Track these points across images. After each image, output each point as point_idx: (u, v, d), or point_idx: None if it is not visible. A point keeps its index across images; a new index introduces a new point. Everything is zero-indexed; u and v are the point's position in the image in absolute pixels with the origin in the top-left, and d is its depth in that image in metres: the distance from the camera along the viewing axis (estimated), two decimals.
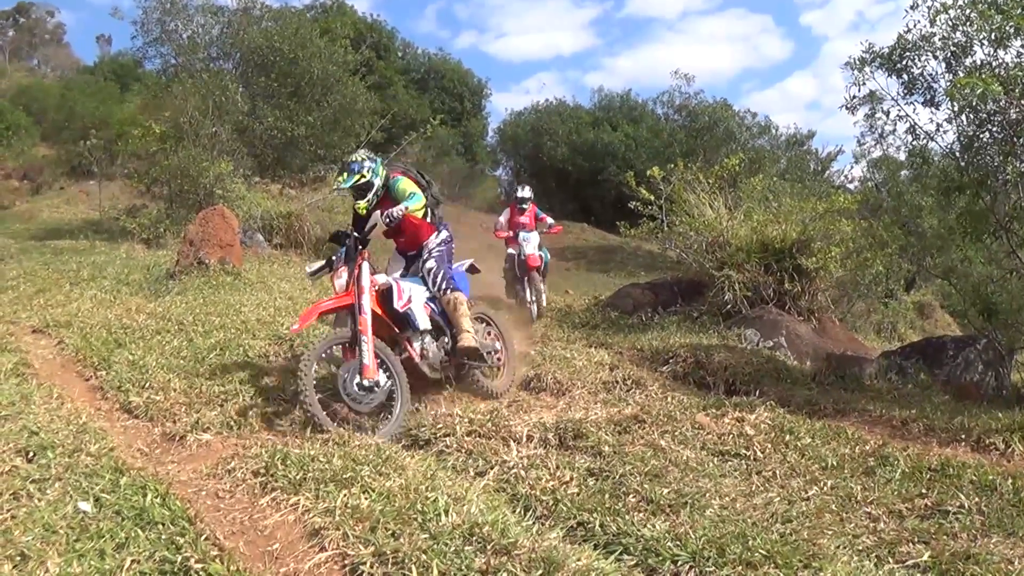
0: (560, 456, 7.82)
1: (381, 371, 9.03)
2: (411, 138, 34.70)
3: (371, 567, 5.15)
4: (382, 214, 9.88)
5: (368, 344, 8.98)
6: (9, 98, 55.38)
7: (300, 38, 32.18)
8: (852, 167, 58.91)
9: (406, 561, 5.13)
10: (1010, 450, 8.70)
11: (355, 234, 9.94)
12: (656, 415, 9.16)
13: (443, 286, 10.26)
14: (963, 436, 9.27)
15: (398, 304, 9.76)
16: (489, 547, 5.33)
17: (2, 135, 45.42)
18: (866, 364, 13.27)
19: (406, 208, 9.90)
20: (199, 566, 5.14)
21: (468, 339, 10.08)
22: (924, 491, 7.24)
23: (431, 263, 10.44)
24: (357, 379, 8.83)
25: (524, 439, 8.28)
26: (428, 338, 10.13)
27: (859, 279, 21.70)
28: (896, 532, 6.33)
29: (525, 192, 20.17)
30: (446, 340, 10.33)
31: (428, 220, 10.67)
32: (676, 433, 8.71)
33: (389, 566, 5.14)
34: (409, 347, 9.89)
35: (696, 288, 18.30)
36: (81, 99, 48.84)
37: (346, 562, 5.28)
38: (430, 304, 10.33)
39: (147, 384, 9.89)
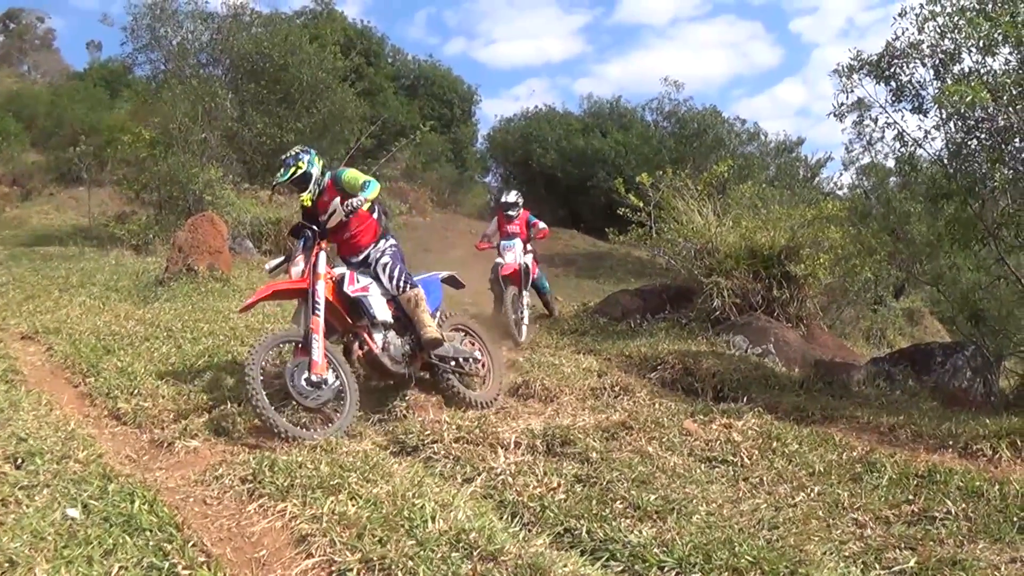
0: (548, 462, 7.82)
1: (330, 370, 9.06)
2: (401, 144, 34.75)
3: (358, 573, 5.16)
4: (343, 203, 9.86)
5: (319, 342, 9.02)
6: None
7: (289, 44, 32.25)
8: (841, 174, 58.85)
9: (393, 567, 5.14)
10: (997, 456, 8.70)
11: (312, 227, 10.02)
12: (644, 421, 9.16)
13: (401, 282, 10.24)
14: (951, 442, 9.27)
15: (349, 288, 9.78)
16: (476, 553, 5.34)
17: None
18: (854, 371, 13.28)
19: (366, 198, 9.96)
20: (186, 572, 5.15)
21: (430, 331, 10.08)
22: (911, 497, 7.27)
23: (386, 259, 10.43)
24: (305, 374, 8.87)
25: (512, 446, 8.27)
26: (392, 332, 10.17)
27: (848, 286, 21.80)
28: (883, 538, 6.35)
29: (511, 197, 18.52)
30: (411, 338, 10.31)
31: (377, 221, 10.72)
32: (664, 439, 8.71)
33: (376, 572, 5.15)
34: (369, 339, 9.90)
35: (685, 295, 18.26)
36: (71, 105, 48.80)
37: (333, 568, 5.28)
38: (392, 302, 10.31)
39: (135, 391, 9.89)
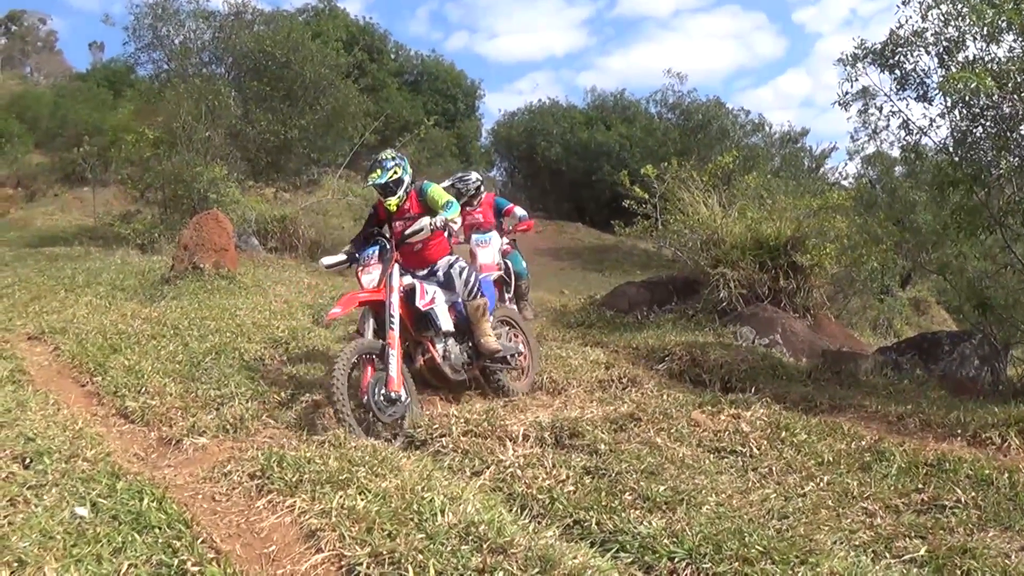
0: (556, 455, 7.83)
1: (403, 387, 9.06)
2: (405, 140, 34.75)
3: (367, 568, 5.15)
4: (431, 222, 9.90)
5: (395, 358, 9.03)
6: (2, 106, 55.41)
7: (292, 42, 32.13)
8: (846, 164, 58.86)
9: (402, 561, 5.13)
10: (1006, 444, 8.69)
11: (387, 237, 10.18)
12: (652, 413, 9.16)
13: (473, 289, 10.38)
14: (959, 431, 9.27)
15: (420, 303, 9.80)
16: (485, 546, 5.32)
17: None
18: (862, 360, 13.28)
19: (452, 218, 10.08)
20: (196, 569, 5.14)
21: (490, 341, 10.23)
22: (920, 486, 7.25)
23: (461, 265, 10.57)
24: (383, 390, 8.88)
25: (520, 438, 8.28)
26: (451, 341, 10.22)
27: (854, 275, 21.69)
28: (893, 527, 6.33)
29: (469, 177, 15.18)
30: (469, 344, 10.43)
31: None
32: (672, 431, 8.70)
33: (386, 566, 5.13)
34: (432, 348, 9.97)
35: (691, 286, 18.26)
36: (74, 106, 48.86)
37: (343, 563, 5.27)
38: (453, 308, 10.35)
39: (143, 389, 9.92)
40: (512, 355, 10.83)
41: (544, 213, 51.41)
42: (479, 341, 10.24)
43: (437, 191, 10.44)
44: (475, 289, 10.36)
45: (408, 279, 10.00)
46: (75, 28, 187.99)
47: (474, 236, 14.19)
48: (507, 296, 14.59)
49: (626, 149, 51.09)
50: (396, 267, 9.76)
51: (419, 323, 9.98)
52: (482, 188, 15.17)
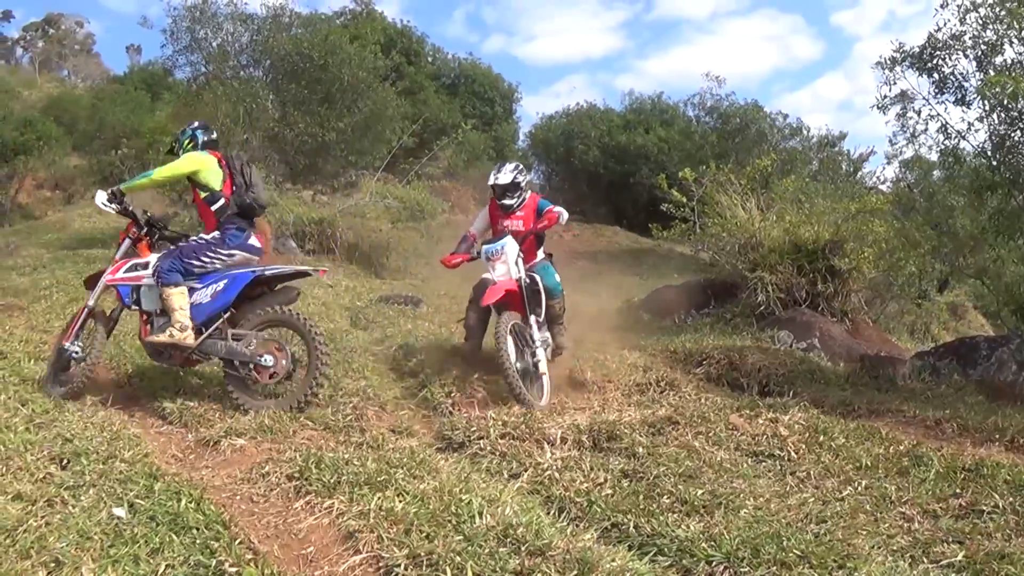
0: (594, 458, 7.85)
1: None
2: (442, 143, 34.77)
3: (405, 569, 5.17)
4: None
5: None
6: (40, 109, 55.61)
7: (330, 44, 32.13)
8: (884, 168, 58.80)
9: (440, 563, 5.15)
10: None
11: None
12: (690, 416, 9.19)
13: (159, 275, 9.85)
14: (997, 436, 9.29)
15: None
16: (523, 549, 5.35)
17: (33, 145, 45.51)
18: (900, 365, 13.25)
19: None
20: (233, 570, 5.17)
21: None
22: (958, 491, 7.23)
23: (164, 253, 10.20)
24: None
25: (558, 441, 8.34)
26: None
27: (892, 280, 21.62)
28: (930, 532, 6.32)
29: (505, 174, 12.05)
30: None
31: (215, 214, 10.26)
32: (710, 434, 8.73)
33: (424, 568, 5.16)
34: None
35: (729, 290, 18.25)
36: (112, 109, 48.93)
37: (380, 565, 5.30)
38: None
39: (180, 390, 10.05)
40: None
41: (581, 216, 51.35)
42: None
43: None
44: (159, 275, 9.89)
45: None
46: (112, 31, 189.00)
47: (485, 247, 11.59)
48: (536, 320, 11.32)
49: (664, 152, 51.06)
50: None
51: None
52: (522, 184, 12.13)
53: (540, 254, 12.20)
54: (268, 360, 9.66)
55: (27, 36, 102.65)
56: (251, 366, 9.68)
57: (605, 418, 9.15)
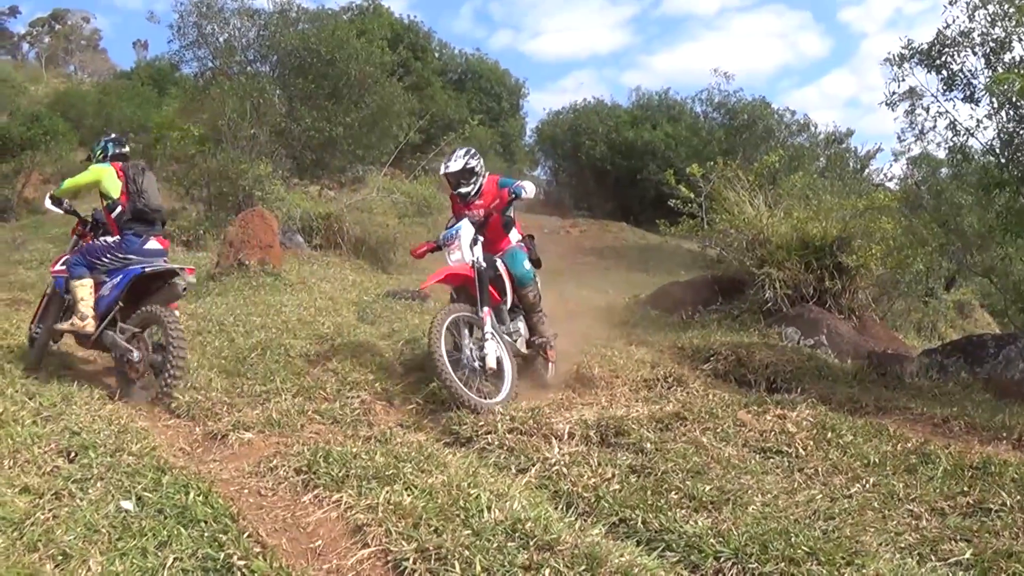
0: (602, 453, 7.85)
1: None
2: (449, 138, 34.80)
3: (414, 563, 5.18)
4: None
5: None
6: (46, 104, 55.70)
7: (337, 39, 32.19)
8: (891, 165, 58.81)
9: (449, 557, 5.17)
10: None
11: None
12: (698, 412, 9.17)
13: (68, 268, 10.94)
14: (1004, 434, 9.26)
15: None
16: (532, 543, 5.37)
17: (40, 140, 45.56)
18: (907, 362, 13.24)
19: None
20: (242, 563, 5.17)
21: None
22: (966, 489, 7.20)
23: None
24: None
25: (566, 436, 8.29)
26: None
27: (899, 277, 21.62)
28: (938, 530, 6.31)
29: (453, 163, 11.23)
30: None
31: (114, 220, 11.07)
32: (718, 430, 8.71)
33: (432, 562, 5.17)
34: None
35: (736, 286, 18.23)
36: (118, 104, 49.07)
37: (389, 559, 5.32)
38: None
39: (189, 384, 10.00)
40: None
41: (588, 212, 51.47)
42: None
43: None
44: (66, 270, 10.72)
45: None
46: (118, 27, 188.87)
47: (441, 235, 10.90)
48: (492, 309, 10.34)
49: (671, 148, 51.27)
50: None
51: None
52: (476, 170, 11.29)
53: (513, 237, 11.55)
54: (136, 355, 10.19)
55: (33, 31, 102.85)
56: (125, 359, 10.28)
57: (613, 413, 9.12)
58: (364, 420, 8.85)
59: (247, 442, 8.22)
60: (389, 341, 13.07)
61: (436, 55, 61.63)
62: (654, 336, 15.32)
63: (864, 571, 5.35)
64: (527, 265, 11.11)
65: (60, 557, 5.28)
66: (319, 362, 11.60)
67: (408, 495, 6.13)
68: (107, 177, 10.98)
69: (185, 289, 11.04)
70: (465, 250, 10.29)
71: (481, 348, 9.84)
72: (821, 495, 6.99)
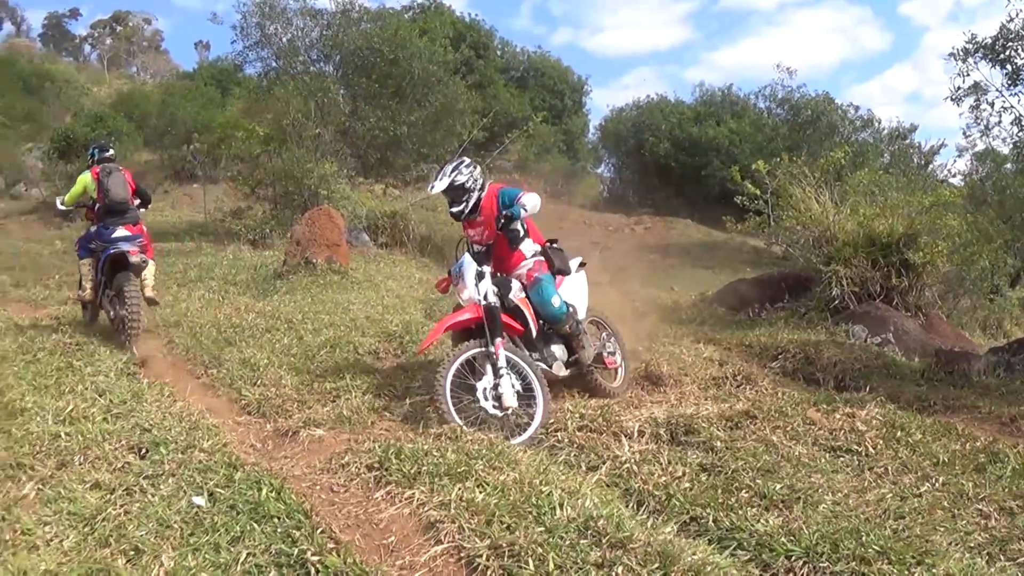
0: (672, 451, 7.85)
1: None
2: (513, 136, 34.82)
3: (487, 560, 5.20)
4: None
5: None
6: (109, 105, 56.16)
7: (399, 39, 32.31)
8: (955, 161, 58.40)
9: (522, 554, 5.18)
10: None
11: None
12: (767, 411, 9.11)
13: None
14: None
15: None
16: (604, 540, 5.38)
17: (105, 141, 45.87)
18: (975, 360, 13.13)
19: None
20: (315, 559, 5.21)
21: None
22: None
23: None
24: None
25: (635, 434, 8.32)
26: None
27: (964, 274, 21.45)
28: (1007, 529, 6.30)
29: (439, 183, 9.94)
30: None
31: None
32: (787, 429, 8.67)
33: (505, 559, 5.19)
34: None
35: (803, 283, 18.22)
36: (182, 104, 49.27)
37: (462, 555, 5.33)
38: None
39: (258, 381, 10.17)
40: None
41: (653, 209, 51.38)
42: None
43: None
44: None
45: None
46: (180, 28, 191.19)
47: (453, 267, 9.88)
48: (531, 338, 9.85)
49: (735, 144, 51.34)
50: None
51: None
52: (469, 184, 9.95)
53: (527, 249, 10.21)
54: (111, 313, 12.97)
55: (95, 33, 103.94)
56: (110, 316, 13.07)
57: (682, 412, 9.12)
58: (434, 417, 8.82)
59: (318, 439, 8.29)
60: None
61: (498, 53, 61.69)
62: (721, 334, 15.34)
63: (934, 571, 5.34)
64: (556, 302, 9.78)
65: (132, 552, 5.36)
66: (388, 359, 11.73)
67: (480, 492, 6.14)
68: (88, 182, 13.42)
69: (144, 263, 12.91)
70: (471, 288, 9.37)
71: (496, 387, 8.76)
72: (891, 494, 6.98)
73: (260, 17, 33.32)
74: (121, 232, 12.97)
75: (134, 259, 12.62)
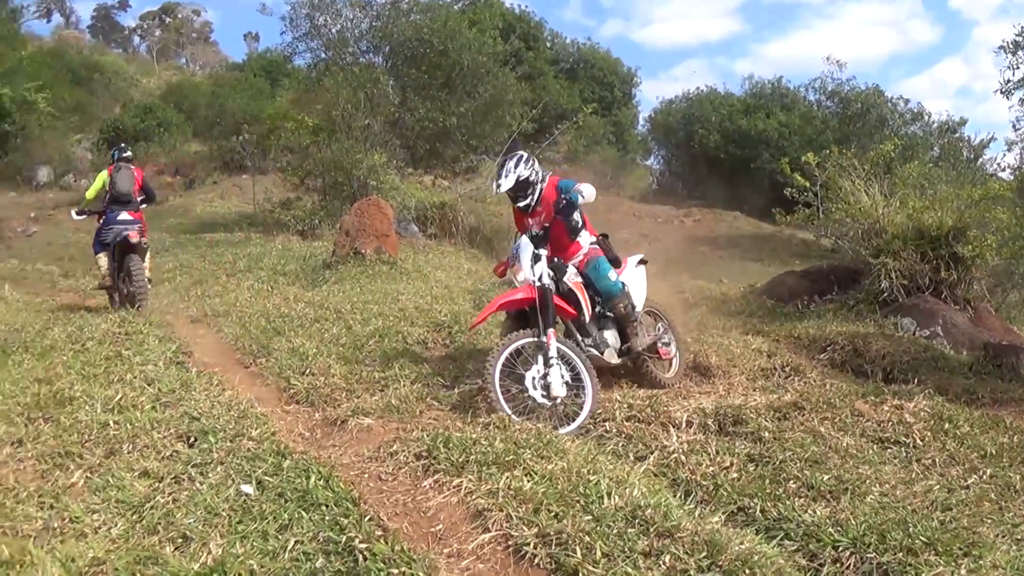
0: (720, 442, 7.86)
1: None
2: (562, 128, 34.85)
3: (535, 548, 5.22)
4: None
5: None
6: (159, 96, 56.52)
7: (449, 30, 32.33)
8: (1004, 154, 57.98)
9: (570, 542, 5.19)
10: None
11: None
12: (815, 402, 9.12)
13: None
14: None
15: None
16: (652, 529, 5.40)
17: (154, 131, 46.21)
18: (1023, 354, 13.08)
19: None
20: (363, 546, 5.22)
21: None
22: None
23: None
24: None
25: (683, 424, 8.32)
26: None
27: (1013, 268, 21.33)
28: None
29: (505, 181, 10.05)
30: None
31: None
32: (835, 420, 8.66)
33: (553, 547, 5.20)
34: None
35: (852, 276, 18.17)
36: (231, 95, 49.51)
37: (510, 543, 5.35)
38: None
39: (307, 370, 10.21)
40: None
41: (702, 201, 51.34)
42: None
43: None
44: None
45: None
46: (228, 19, 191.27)
47: (512, 246, 10.16)
48: (584, 323, 10.04)
49: (785, 137, 51.02)
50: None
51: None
52: (531, 177, 10.20)
53: (585, 240, 10.47)
54: (123, 288, 15.49)
55: (144, 24, 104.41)
56: (123, 292, 15.53)
57: (730, 402, 9.10)
58: (482, 406, 8.82)
59: (366, 428, 8.29)
60: None
61: (548, 45, 61.77)
62: (770, 326, 15.29)
63: (981, 562, 5.35)
64: (612, 276, 10.16)
65: (180, 540, 5.41)
66: (436, 349, 11.77)
67: (528, 481, 6.15)
68: (104, 178, 16.08)
69: (146, 244, 15.89)
70: (526, 269, 9.50)
71: (545, 377, 8.75)
72: (938, 486, 6.98)
73: (309, 8, 33.42)
74: (124, 216, 15.75)
75: (134, 240, 15.35)
